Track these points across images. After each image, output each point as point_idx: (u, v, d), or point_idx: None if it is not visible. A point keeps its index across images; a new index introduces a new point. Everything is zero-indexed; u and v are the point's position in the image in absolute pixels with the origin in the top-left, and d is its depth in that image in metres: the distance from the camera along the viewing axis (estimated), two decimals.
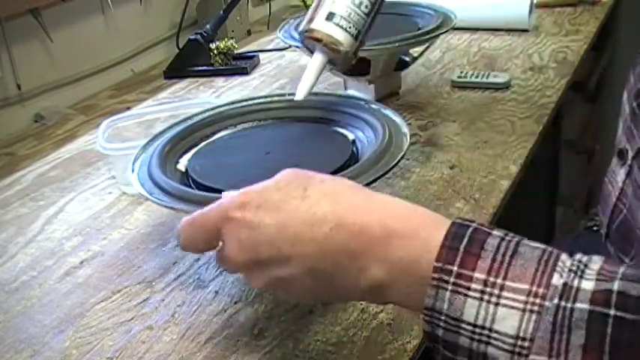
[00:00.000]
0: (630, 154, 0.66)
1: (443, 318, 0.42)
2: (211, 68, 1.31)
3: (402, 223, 0.45)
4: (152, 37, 1.45)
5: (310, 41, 0.70)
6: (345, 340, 0.59)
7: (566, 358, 0.39)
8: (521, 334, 0.40)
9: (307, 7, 1.57)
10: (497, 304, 0.41)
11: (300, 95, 0.70)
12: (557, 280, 0.40)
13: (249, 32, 1.57)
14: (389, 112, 0.72)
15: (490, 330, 0.41)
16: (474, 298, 0.41)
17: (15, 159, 1.05)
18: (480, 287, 0.41)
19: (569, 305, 0.39)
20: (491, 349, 0.41)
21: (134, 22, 1.40)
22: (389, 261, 0.44)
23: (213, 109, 0.78)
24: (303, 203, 0.46)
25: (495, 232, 0.43)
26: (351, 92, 1.09)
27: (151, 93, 1.26)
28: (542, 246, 0.43)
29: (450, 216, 0.74)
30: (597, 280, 0.40)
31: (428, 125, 0.98)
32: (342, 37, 0.68)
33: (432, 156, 0.89)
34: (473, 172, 0.84)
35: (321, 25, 0.68)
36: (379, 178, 0.60)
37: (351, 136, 0.72)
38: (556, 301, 0.39)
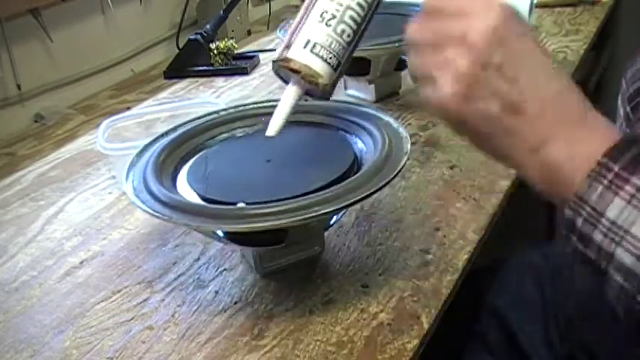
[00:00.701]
0: None
1: (587, 209, 0.46)
2: (211, 68, 1.31)
3: (596, 118, 0.48)
4: (152, 37, 1.45)
5: (286, 71, 0.63)
6: (345, 340, 0.59)
7: None
8: None
9: None
10: None
11: (271, 131, 0.64)
12: None
13: (249, 32, 1.57)
14: (388, 118, 0.71)
15: (626, 232, 0.44)
16: (623, 199, 0.44)
17: (15, 159, 1.05)
18: (632, 191, 0.44)
19: None
20: (619, 250, 0.45)
21: (134, 22, 1.40)
22: (570, 143, 0.47)
23: (210, 114, 0.77)
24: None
25: None
26: (351, 92, 1.09)
27: (151, 93, 1.26)
28: None
29: (450, 216, 0.75)
30: None
31: (428, 125, 0.98)
32: (321, 68, 0.61)
33: (432, 156, 0.89)
34: (473, 172, 0.84)
35: (298, 55, 0.61)
36: (385, 185, 0.60)
37: (351, 142, 0.71)
38: None
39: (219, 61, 1.31)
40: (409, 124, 0.98)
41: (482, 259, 0.72)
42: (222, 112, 0.78)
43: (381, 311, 0.62)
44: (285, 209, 0.58)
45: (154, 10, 1.45)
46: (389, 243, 0.72)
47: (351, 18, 0.60)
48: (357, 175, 0.62)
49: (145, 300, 0.67)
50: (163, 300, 0.67)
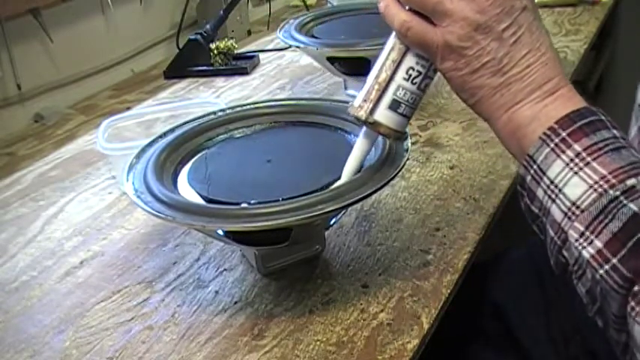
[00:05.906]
0: None
1: (535, 167, 0.52)
2: (211, 68, 1.31)
3: (569, 89, 0.54)
4: (152, 37, 1.45)
5: (369, 128, 0.61)
6: (345, 340, 0.59)
7: (598, 236, 0.47)
8: (577, 203, 0.49)
9: (307, 6, 1.58)
10: (575, 174, 0.49)
11: (345, 177, 0.63)
12: (631, 182, 0.47)
13: (249, 32, 1.57)
14: None
15: (560, 190, 0.50)
16: (563, 161, 0.50)
17: (15, 159, 1.05)
18: (572, 155, 0.50)
19: (624, 202, 0.47)
20: (553, 207, 0.50)
21: (134, 22, 1.40)
22: (538, 108, 0.53)
23: (210, 114, 0.77)
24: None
25: (614, 131, 0.51)
26: (351, 92, 1.09)
27: (151, 93, 1.26)
28: None
29: (450, 216, 0.75)
30: None
31: (428, 125, 0.98)
32: (403, 126, 0.61)
33: (432, 156, 0.89)
34: (473, 172, 0.84)
35: (385, 118, 0.59)
36: (385, 185, 0.60)
37: (351, 142, 0.71)
38: (617, 193, 0.47)
39: (219, 61, 1.31)
40: (409, 124, 0.97)
41: (483, 254, 0.73)
42: (223, 113, 0.78)
43: (381, 311, 0.62)
44: (289, 207, 0.58)
45: (154, 10, 1.45)
46: (389, 243, 0.72)
47: (434, 70, 0.58)
48: (357, 174, 0.62)
49: (145, 300, 0.67)
50: (163, 300, 0.67)
